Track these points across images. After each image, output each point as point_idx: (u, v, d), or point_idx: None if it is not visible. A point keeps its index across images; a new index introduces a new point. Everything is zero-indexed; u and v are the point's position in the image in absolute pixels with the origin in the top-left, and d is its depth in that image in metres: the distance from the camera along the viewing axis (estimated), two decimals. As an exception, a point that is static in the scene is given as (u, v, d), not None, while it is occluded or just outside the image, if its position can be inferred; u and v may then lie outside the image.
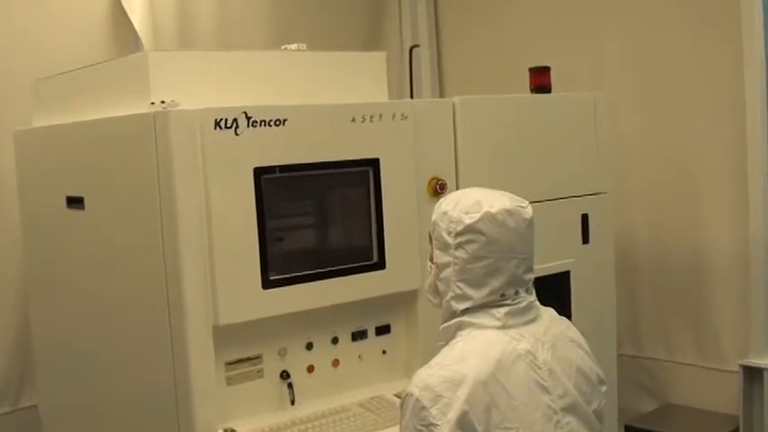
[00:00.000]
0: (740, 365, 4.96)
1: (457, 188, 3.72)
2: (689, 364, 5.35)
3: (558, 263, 4.15)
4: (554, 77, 4.45)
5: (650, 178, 5.34)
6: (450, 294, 2.57)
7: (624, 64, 5.36)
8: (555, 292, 4.02)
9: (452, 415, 2.35)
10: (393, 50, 6.02)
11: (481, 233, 2.51)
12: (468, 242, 2.52)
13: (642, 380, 5.49)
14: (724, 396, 5.14)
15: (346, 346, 3.62)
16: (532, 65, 4.46)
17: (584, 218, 4.31)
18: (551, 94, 4.39)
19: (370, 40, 6.20)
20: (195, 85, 3.33)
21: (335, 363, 3.60)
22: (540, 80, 4.41)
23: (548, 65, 4.44)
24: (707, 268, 5.19)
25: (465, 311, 2.55)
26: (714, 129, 5.06)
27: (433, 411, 2.36)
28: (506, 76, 5.29)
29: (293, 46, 3.78)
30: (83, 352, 3.88)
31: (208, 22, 5.42)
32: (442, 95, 6.27)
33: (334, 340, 3.59)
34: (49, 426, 4.40)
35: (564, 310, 3.57)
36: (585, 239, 4.33)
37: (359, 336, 3.65)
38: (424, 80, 6.27)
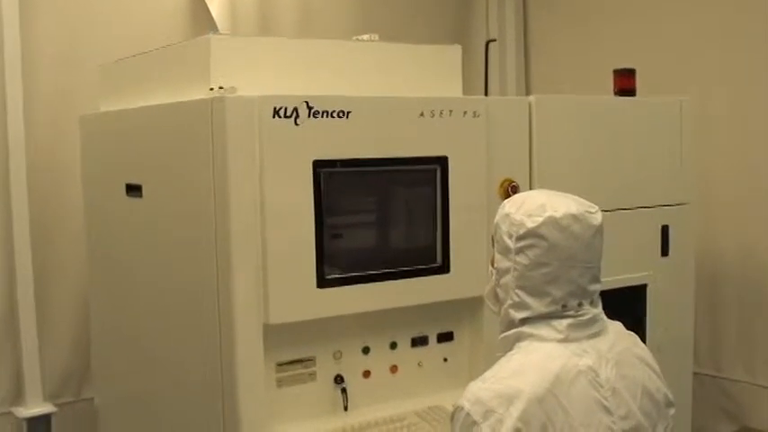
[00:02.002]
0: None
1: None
2: None
3: (635, 275, 3.99)
4: (639, 81, 4.27)
5: (738, 189, 5.14)
6: (509, 302, 2.45)
7: (713, 68, 5.16)
8: (630, 305, 3.89)
9: None
10: (479, 46, 5.82)
11: (543, 238, 2.38)
12: (529, 247, 2.39)
13: (720, 401, 5.30)
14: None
15: (405, 352, 3.50)
16: (618, 66, 4.29)
17: (665, 229, 4.14)
18: (635, 97, 4.21)
19: (457, 34, 6.03)
20: (258, 72, 3.23)
21: (393, 369, 3.48)
22: (625, 83, 4.24)
23: (633, 67, 4.26)
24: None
25: (524, 321, 2.42)
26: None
27: (484, 427, 2.24)
28: (592, 76, 5.11)
29: (365, 36, 3.66)
30: (137, 344, 3.83)
31: (288, 11, 5.35)
32: (527, 94, 6.05)
33: (393, 345, 3.47)
34: (104, 418, 4.37)
35: (639, 324, 3.44)
36: (665, 252, 4.15)
37: (419, 342, 3.53)
38: (510, 78, 6.12)
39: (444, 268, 3.42)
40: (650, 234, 4.11)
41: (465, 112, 3.42)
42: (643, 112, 4.11)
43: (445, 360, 3.59)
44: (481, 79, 4.49)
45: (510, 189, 3.54)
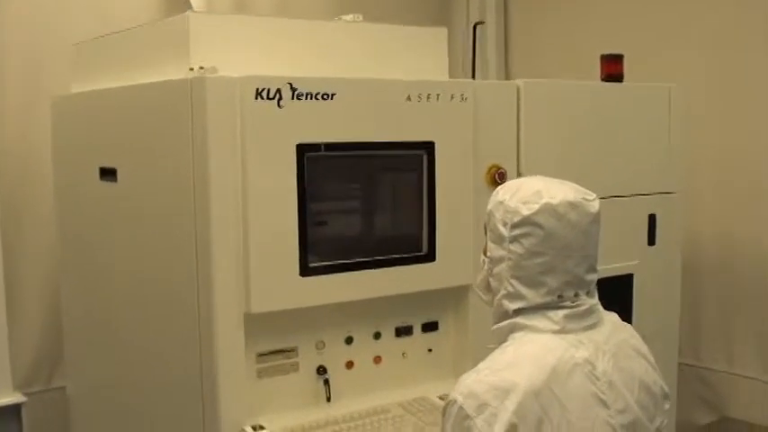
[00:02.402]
0: (808, 384, 4.70)
1: (518, 177, 3.46)
2: (751, 378, 5.11)
3: (621, 264, 3.93)
4: (626, 67, 4.19)
5: (720, 179, 5.09)
6: (503, 292, 2.36)
7: (700, 57, 5.10)
8: (616, 295, 3.75)
9: (499, 427, 2.13)
10: (457, 27, 5.74)
11: (539, 226, 2.29)
12: (524, 235, 2.30)
13: (700, 391, 5.26)
14: (787, 414, 4.91)
15: (389, 343, 3.42)
16: (604, 52, 4.22)
17: (652, 218, 4.09)
18: (623, 83, 4.14)
19: (437, 15, 5.93)
20: (239, 52, 3.14)
21: (377, 360, 3.40)
22: (613, 68, 4.15)
23: (621, 53, 4.18)
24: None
25: (519, 312, 2.34)
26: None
27: (478, 422, 2.15)
28: (575, 61, 5.05)
29: (348, 17, 3.55)
30: (112, 333, 3.75)
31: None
32: (507, 77, 6.02)
33: (377, 335, 3.39)
34: (76, 408, 4.30)
35: (625, 314, 3.34)
36: (651, 241, 4.10)
37: (403, 332, 3.45)
38: (490, 61, 6.01)
39: (430, 256, 3.34)
40: (637, 223, 4.06)
41: (452, 96, 3.33)
42: (631, 98, 4.04)
43: (430, 350, 3.51)
44: (459, 63, 4.40)
45: (497, 176, 3.47)
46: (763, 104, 4.88)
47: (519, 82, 3.62)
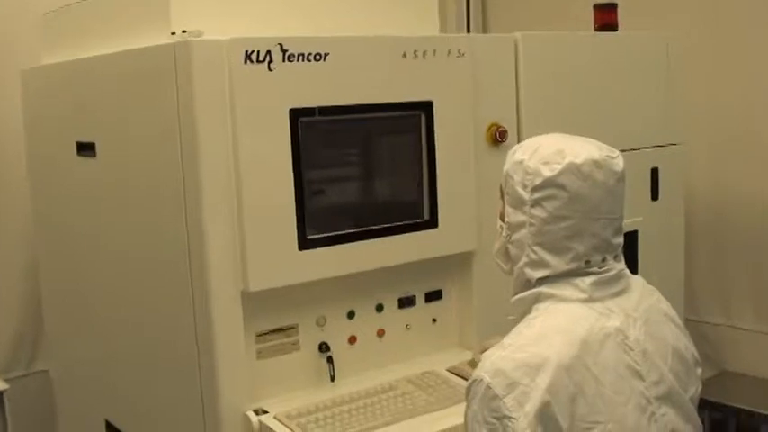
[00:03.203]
0: (806, 333, 4.69)
1: (519, 136, 3.43)
2: (749, 330, 5.09)
3: (626, 221, 3.73)
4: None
5: (712, 130, 5.02)
6: (525, 260, 2.24)
7: (692, 5, 4.99)
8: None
9: (531, 406, 2.02)
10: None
11: (563, 188, 2.16)
12: (547, 198, 2.18)
13: (698, 345, 5.03)
14: (786, 364, 4.90)
15: (392, 315, 3.30)
16: (589, 1, 4.14)
17: (654, 172, 4.01)
18: (619, 32, 4.05)
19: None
20: (223, 13, 3.01)
21: (380, 333, 3.28)
22: (607, 18, 4.07)
23: (614, 1, 4.10)
24: (771, 226, 4.91)
25: (542, 281, 2.22)
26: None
27: (508, 401, 2.03)
28: (556, 12, 4.89)
29: (336, -28, 3.38)
30: (96, 314, 3.65)
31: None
32: (485, 30, 5.85)
33: (379, 308, 3.27)
34: (61, 391, 4.22)
35: (630, 271, 3.26)
36: (655, 196, 4.03)
37: (406, 303, 3.33)
38: (473, 11, 5.84)
39: (432, 223, 3.22)
40: (640, 178, 3.97)
41: (449, 52, 3.20)
42: (629, 48, 3.95)
43: (434, 321, 3.41)
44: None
45: (498, 134, 3.37)
46: (759, 55, 4.80)
47: (517, 35, 3.50)
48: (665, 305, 2.39)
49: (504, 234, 2.31)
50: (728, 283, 5.11)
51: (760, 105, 4.82)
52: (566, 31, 4.02)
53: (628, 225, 3.68)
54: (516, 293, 2.28)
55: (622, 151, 3.63)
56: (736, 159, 4.96)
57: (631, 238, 3.86)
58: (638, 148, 3.92)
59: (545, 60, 3.56)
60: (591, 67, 3.75)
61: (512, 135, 3.39)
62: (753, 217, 4.95)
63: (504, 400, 2.02)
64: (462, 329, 3.42)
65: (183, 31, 2.80)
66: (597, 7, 4.10)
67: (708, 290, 5.19)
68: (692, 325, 5.05)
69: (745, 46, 4.83)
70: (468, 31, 4.15)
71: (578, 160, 2.16)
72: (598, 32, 4.04)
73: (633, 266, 3.75)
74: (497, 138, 3.34)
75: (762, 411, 4.60)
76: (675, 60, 4.08)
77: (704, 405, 4.64)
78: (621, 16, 4.10)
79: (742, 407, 4.67)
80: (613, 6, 4.07)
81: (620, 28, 4.08)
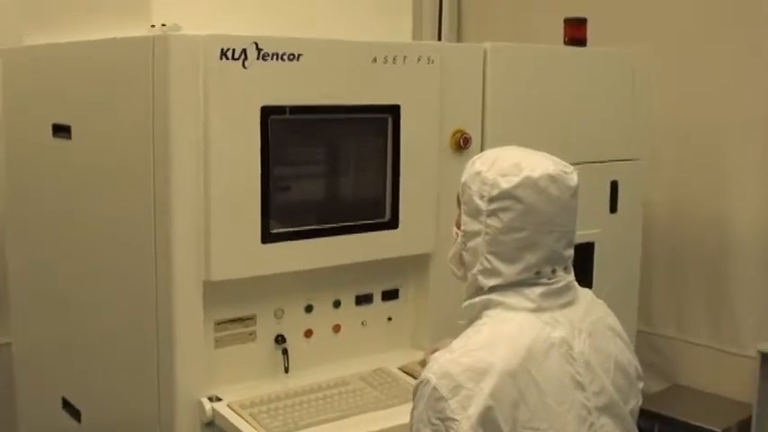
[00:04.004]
0: (759, 351, 4.66)
1: (482, 143, 3.49)
2: (702, 345, 5.11)
3: (584, 233, 3.78)
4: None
5: (671, 144, 5.05)
6: (478, 267, 2.29)
7: (663, 22, 5.03)
8: (577, 263, 3.70)
9: (474, 410, 2.07)
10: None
11: (519, 200, 2.22)
12: (503, 209, 2.23)
13: (650, 357, 5.23)
14: (737, 382, 4.91)
15: (349, 311, 3.36)
16: (561, 15, 4.18)
17: (614, 185, 4.07)
18: (588, 47, 4.10)
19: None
20: (201, 10, 3.10)
21: (336, 328, 3.34)
22: (576, 32, 4.11)
23: (584, 16, 4.15)
24: (728, 243, 4.94)
25: (493, 289, 2.27)
26: (747, 103, 4.78)
27: (452, 404, 2.09)
28: (529, 25, 4.96)
29: (313, -25, 3.45)
30: (61, 293, 3.66)
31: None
32: (459, 40, 5.90)
33: (336, 303, 3.32)
34: (21, 365, 4.22)
35: (585, 282, 3.33)
36: (613, 208, 4.08)
37: (363, 300, 3.39)
38: (445, 20, 5.88)
39: (393, 224, 3.28)
40: (599, 190, 4.04)
41: (419, 59, 3.26)
42: (596, 63, 4.00)
43: (389, 319, 3.47)
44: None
45: (462, 141, 3.42)
46: (725, 72, 4.85)
47: (486, 45, 3.55)
48: (611, 319, 2.44)
49: (459, 241, 2.35)
50: (683, 298, 5.14)
51: (722, 123, 4.86)
52: (540, 43, 4.07)
53: (584, 236, 3.82)
54: (468, 299, 2.33)
55: (583, 163, 3.75)
56: (695, 176, 5.00)
57: (588, 250, 3.93)
58: (599, 161, 3.97)
59: (512, 71, 3.61)
60: (557, 80, 3.79)
61: (476, 142, 3.44)
62: (710, 233, 4.98)
63: (449, 402, 2.08)
64: (416, 329, 3.47)
65: (163, 25, 2.87)
66: (567, 21, 4.13)
67: (663, 303, 5.22)
68: (646, 337, 5.14)
69: (710, 65, 4.88)
70: (440, 39, 4.20)
71: (535, 174, 2.22)
72: (566, 46, 4.08)
73: (588, 277, 3.85)
74: (461, 144, 3.39)
75: (711, 427, 4.64)
76: (641, 78, 4.13)
77: (654, 418, 4.73)
78: (591, 31, 4.14)
79: (691, 422, 4.70)
80: (583, 21, 4.11)
81: (588, 43, 4.12)
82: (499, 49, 3.56)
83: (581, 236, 3.70)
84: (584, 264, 3.86)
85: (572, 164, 3.49)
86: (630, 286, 4.30)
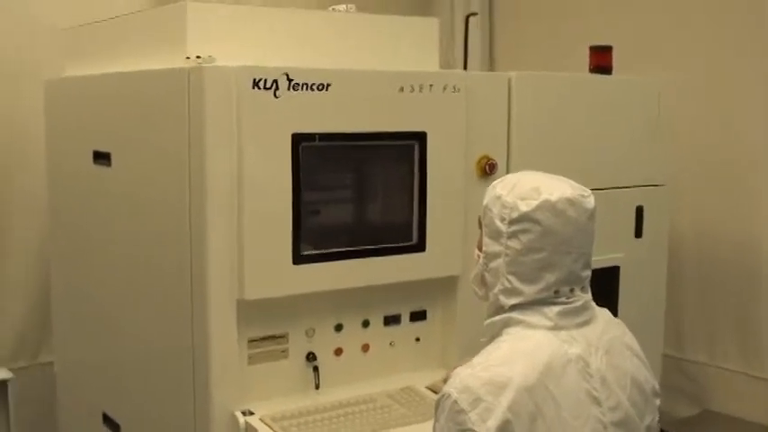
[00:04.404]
0: (789, 376, 4.70)
1: (507, 169, 3.54)
2: (732, 371, 5.10)
3: (608, 257, 3.92)
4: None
5: (703, 171, 5.08)
6: (499, 287, 2.36)
7: (689, 50, 5.07)
8: (602, 287, 3.73)
9: (493, 422, 2.14)
10: (441, 17, 5.71)
11: (538, 223, 2.29)
12: (522, 231, 2.31)
13: (681, 383, 5.24)
14: (768, 407, 4.91)
15: (378, 331, 3.44)
16: (591, 43, 4.24)
17: (639, 210, 4.10)
18: (613, 75, 4.16)
19: (422, 5, 5.89)
20: (235, 42, 3.15)
21: (365, 347, 3.42)
22: (602, 60, 4.17)
23: (610, 44, 4.21)
24: (759, 269, 4.93)
25: (514, 307, 2.34)
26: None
27: (472, 416, 2.16)
28: (559, 52, 5.03)
29: (341, 7, 3.56)
30: (103, 313, 3.77)
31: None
32: (491, 68, 6.03)
33: (365, 323, 3.41)
34: (63, 384, 4.32)
35: (611, 306, 3.39)
36: (639, 233, 4.11)
37: (392, 321, 3.47)
38: (473, 51, 5.94)
39: (420, 246, 3.36)
40: (624, 215, 4.07)
41: (445, 87, 3.34)
42: (621, 90, 4.05)
43: (417, 340, 3.54)
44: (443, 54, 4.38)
45: (487, 167, 3.48)
46: (749, 99, 4.88)
47: (511, 74, 3.63)
48: (628, 338, 2.49)
49: (481, 262, 2.43)
50: (713, 323, 5.13)
51: (747, 147, 4.88)
52: (575, 71, 4.17)
53: (609, 260, 3.88)
54: (489, 317, 2.40)
55: (608, 189, 3.82)
56: (724, 201, 5.00)
57: (613, 274, 3.98)
58: (624, 187, 4.02)
59: (537, 98, 3.67)
60: (582, 107, 3.85)
61: (501, 168, 3.50)
62: (739, 257, 4.98)
63: (469, 414, 2.14)
64: (445, 350, 3.53)
65: (198, 57, 2.97)
66: (593, 49, 4.19)
67: (693, 328, 5.21)
68: (676, 363, 5.15)
69: (734, 90, 4.91)
70: (465, 67, 4.28)
71: (553, 197, 2.29)
72: (591, 74, 4.14)
73: (614, 301, 3.87)
74: (487, 170, 3.45)
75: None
76: (665, 105, 4.16)
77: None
78: (616, 58, 4.19)
79: (722, 447, 4.67)
80: (608, 49, 4.16)
81: (614, 70, 4.17)
82: (524, 77, 3.63)
83: (606, 260, 3.85)
84: (609, 288, 3.94)
85: (597, 189, 3.55)
86: (656, 310, 4.30)
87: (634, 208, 4.09)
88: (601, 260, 3.74)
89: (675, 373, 5.20)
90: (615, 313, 3.39)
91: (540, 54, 5.72)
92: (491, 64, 6.17)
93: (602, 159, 3.91)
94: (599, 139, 3.91)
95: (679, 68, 4.84)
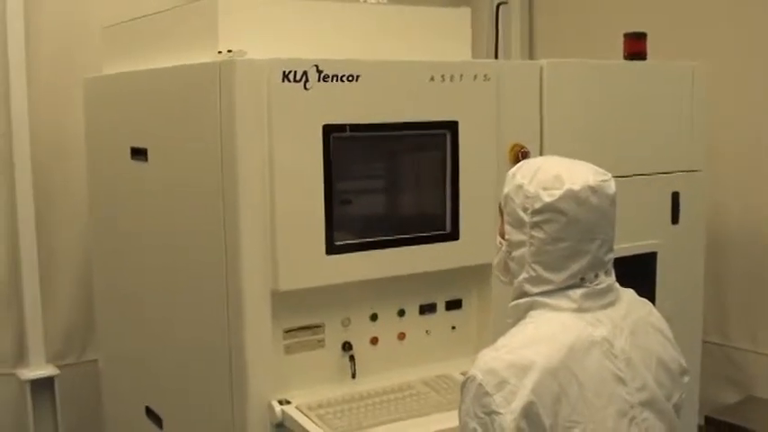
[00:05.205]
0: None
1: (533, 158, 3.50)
2: None
3: (645, 242, 3.93)
4: (650, 46, 4.20)
5: (745, 154, 5.06)
6: (524, 276, 2.37)
7: (723, 34, 5.06)
8: (639, 273, 3.80)
9: (517, 404, 2.16)
10: (481, 8, 5.72)
11: (562, 213, 2.29)
12: (546, 222, 2.30)
13: (726, 370, 5.23)
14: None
15: (413, 320, 3.46)
16: (627, 30, 4.24)
17: (675, 196, 4.09)
18: (646, 61, 4.14)
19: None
20: (266, 35, 3.18)
21: (401, 336, 3.44)
22: (636, 47, 4.17)
23: (644, 31, 4.20)
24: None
25: (540, 293, 2.35)
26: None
27: (497, 398, 2.17)
28: (599, 40, 5.01)
29: (373, -1, 3.58)
30: (142, 309, 3.82)
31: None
32: (531, 57, 6.04)
33: (401, 312, 3.43)
34: (107, 381, 4.39)
35: (648, 292, 3.41)
36: (675, 219, 4.10)
37: (427, 309, 3.49)
38: (513, 41, 6.00)
39: (453, 235, 3.37)
40: (661, 201, 4.06)
41: (476, 76, 3.36)
42: (655, 77, 4.03)
43: (453, 328, 3.55)
44: (480, 42, 4.39)
45: (520, 154, 3.47)
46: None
47: (542, 62, 3.64)
48: (654, 318, 2.48)
49: (504, 250, 2.43)
50: (758, 310, 5.12)
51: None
52: (612, 58, 4.16)
53: (646, 246, 3.88)
54: (514, 299, 2.40)
55: (644, 175, 3.82)
56: (765, 187, 5.01)
57: (650, 260, 3.98)
58: (660, 173, 4.01)
59: (570, 86, 3.68)
60: (615, 94, 3.84)
61: (534, 156, 3.45)
62: None
63: (494, 397, 2.16)
64: (480, 338, 3.51)
65: (229, 51, 3.00)
66: (627, 36, 4.19)
67: (738, 315, 5.19)
68: (721, 349, 5.16)
69: None
70: (496, 56, 4.29)
71: (576, 187, 2.27)
72: (624, 61, 4.13)
73: (651, 287, 3.87)
74: (520, 158, 3.40)
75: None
76: (700, 89, 4.14)
77: (729, 429, 4.71)
78: (650, 43, 4.19)
79: (765, 433, 4.68)
80: (642, 36, 4.16)
81: (648, 55, 4.16)
82: (555, 65, 3.64)
83: (643, 246, 3.85)
84: (646, 274, 3.95)
85: (632, 175, 3.61)
86: (694, 296, 4.27)
87: (670, 194, 4.08)
88: (637, 246, 3.81)
89: (719, 359, 5.19)
90: (653, 299, 3.43)
91: (581, 43, 5.69)
92: (531, 53, 6.17)
93: (637, 145, 3.90)
94: (633, 126, 3.91)
95: (714, 54, 4.79)
